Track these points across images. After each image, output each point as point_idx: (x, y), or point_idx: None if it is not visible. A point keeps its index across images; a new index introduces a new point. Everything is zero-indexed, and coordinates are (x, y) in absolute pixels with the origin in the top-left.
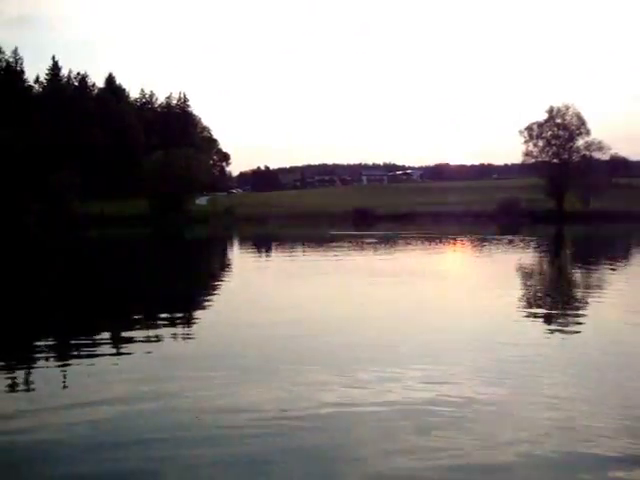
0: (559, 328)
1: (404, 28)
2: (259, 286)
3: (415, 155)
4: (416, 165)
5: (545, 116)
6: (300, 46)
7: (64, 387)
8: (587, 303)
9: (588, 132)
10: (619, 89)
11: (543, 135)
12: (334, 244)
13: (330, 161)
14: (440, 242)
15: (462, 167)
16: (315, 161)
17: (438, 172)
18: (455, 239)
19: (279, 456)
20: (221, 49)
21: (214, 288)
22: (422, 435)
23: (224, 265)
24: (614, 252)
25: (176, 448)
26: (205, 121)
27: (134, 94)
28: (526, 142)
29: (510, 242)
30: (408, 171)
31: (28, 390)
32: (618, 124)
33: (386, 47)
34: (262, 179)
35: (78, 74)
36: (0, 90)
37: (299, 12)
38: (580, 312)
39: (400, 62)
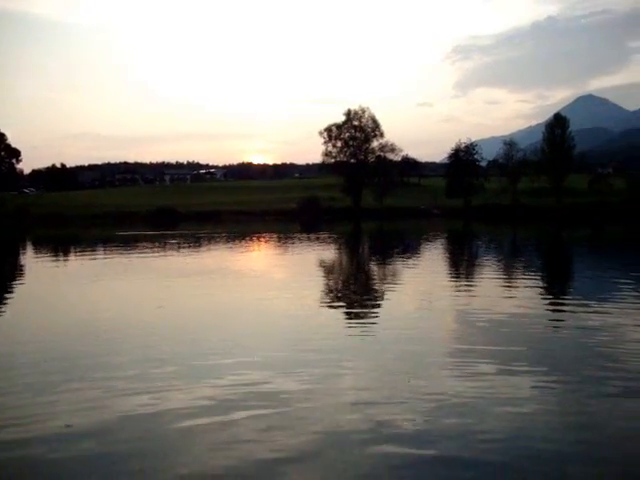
0: (358, 320)
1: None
2: (51, 292)
3: (219, 154)
4: (220, 164)
5: (343, 118)
6: (103, 38)
7: None
8: (382, 294)
9: (382, 134)
10: (409, 97)
11: (341, 136)
12: (137, 245)
13: (132, 159)
14: (244, 241)
15: (265, 166)
16: (116, 159)
17: (242, 171)
18: (259, 237)
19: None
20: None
21: (9, 292)
22: (226, 430)
23: (13, 269)
24: (405, 245)
25: None
26: None
27: None
28: (325, 143)
29: (311, 239)
30: (212, 170)
31: None
32: (408, 128)
33: (186, 48)
34: (58, 178)
35: None
36: None
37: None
38: (376, 303)
39: (199, 62)
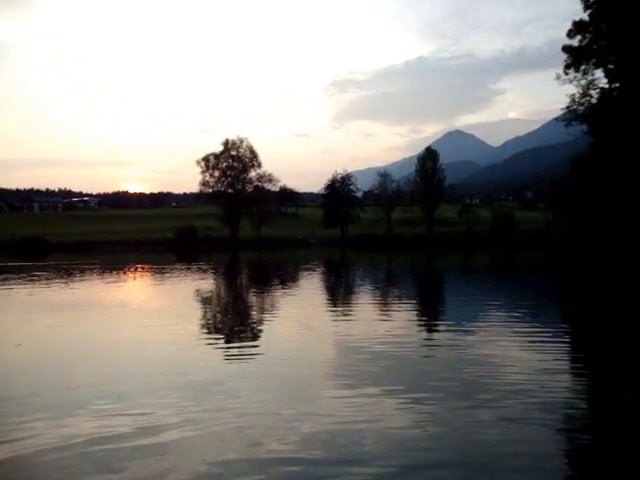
0: (236, 351)
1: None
2: None
3: (93, 182)
4: (94, 192)
5: (221, 148)
6: None
7: None
8: (261, 323)
9: (260, 165)
10: (288, 128)
11: (219, 166)
12: (1, 276)
13: None
14: (118, 272)
15: (141, 195)
16: None
17: (117, 200)
18: (134, 268)
19: None
20: None
21: None
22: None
23: None
24: (283, 275)
25: None
26: None
27: None
28: (203, 172)
29: (187, 269)
30: (85, 198)
31: None
32: (287, 159)
33: (64, 69)
34: None
35: None
36: None
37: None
38: (255, 332)
39: (77, 84)
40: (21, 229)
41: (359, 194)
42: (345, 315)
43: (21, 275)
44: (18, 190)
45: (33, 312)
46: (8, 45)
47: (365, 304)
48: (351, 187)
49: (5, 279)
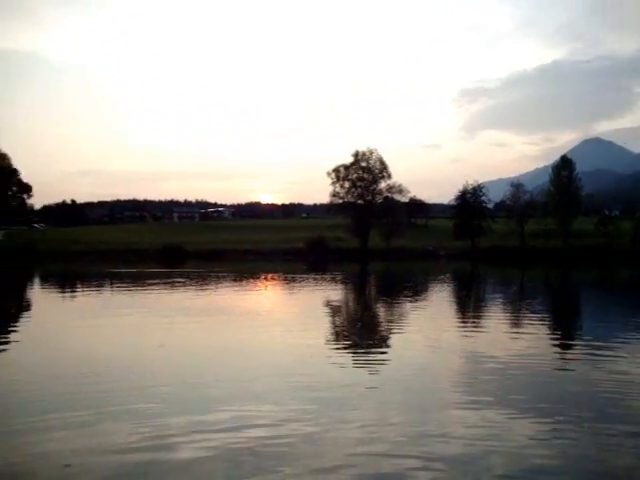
0: (363, 361)
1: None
2: (54, 329)
3: (227, 193)
4: (228, 203)
5: (351, 159)
6: (115, 74)
7: None
8: (390, 338)
9: (390, 176)
10: (416, 138)
11: (349, 177)
12: (143, 282)
13: (141, 197)
14: (250, 280)
15: (273, 206)
16: (125, 196)
17: (249, 210)
18: (265, 277)
19: None
20: (26, 72)
21: (5, 332)
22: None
23: (20, 304)
24: (412, 287)
25: None
26: (4, 149)
27: None
28: (333, 183)
29: (317, 279)
30: (220, 209)
31: None
32: (415, 170)
33: (194, 90)
34: (67, 214)
35: None
36: None
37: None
38: (382, 345)
39: (211, 100)
40: (162, 237)
41: (490, 205)
42: (475, 329)
43: (162, 281)
44: (160, 201)
45: (172, 315)
46: (144, 60)
47: (497, 318)
48: (482, 198)
49: (147, 284)
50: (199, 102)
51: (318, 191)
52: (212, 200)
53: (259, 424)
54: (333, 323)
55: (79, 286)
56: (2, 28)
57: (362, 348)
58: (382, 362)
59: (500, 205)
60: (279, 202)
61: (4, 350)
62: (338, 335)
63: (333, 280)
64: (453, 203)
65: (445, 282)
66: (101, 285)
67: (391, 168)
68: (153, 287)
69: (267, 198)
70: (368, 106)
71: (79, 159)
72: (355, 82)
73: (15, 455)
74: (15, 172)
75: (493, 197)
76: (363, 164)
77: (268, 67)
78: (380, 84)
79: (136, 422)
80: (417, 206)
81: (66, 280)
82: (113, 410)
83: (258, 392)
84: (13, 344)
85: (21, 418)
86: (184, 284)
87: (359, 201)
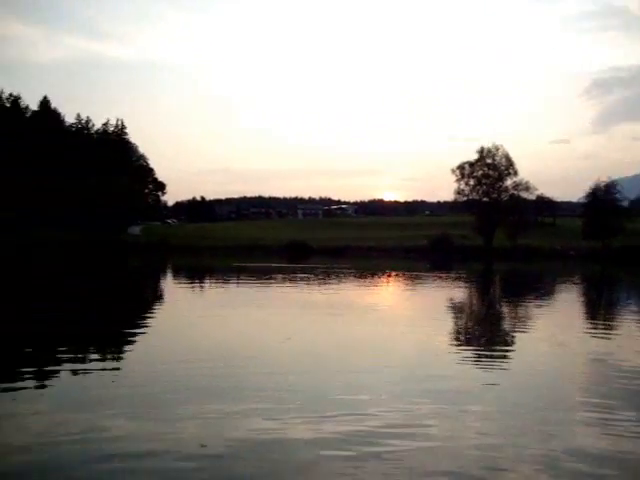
0: (485, 363)
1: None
2: (187, 318)
3: (350, 190)
4: (351, 200)
5: (476, 156)
6: (240, 74)
7: None
8: (515, 338)
9: (516, 172)
10: (541, 133)
11: (474, 174)
12: (269, 276)
13: (266, 194)
14: (373, 277)
15: (396, 203)
16: (251, 193)
17: (372, 207)
18: (388, 274)
19: None
20: (158, 76)
21: (143, 319)
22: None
23: (155, 295)
24: (539, 288)
25: None
26: (142, 149)
27: (70, 119)
28: (458, 181)
29: (441, 277)
30: (343, 206)
31: None
32: (541, 166)
33: (324, 81)
34: (197, 210)
35: (11, 95)
36: None
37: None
38: (508, 347)
39: (334, 97)
40: (287, 233)
41: (625, 203)
42: (605, 332)
43: (286, 275)
44: (285, 198)
45: (297, 309)
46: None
47: (630, 323)
48: (616, 195)
49: (272, 279)
50: (323, 100)
51: (440, 188)
52: (335, 197)
53: (376, 414)
54: (457, 321)
55: (207, 279)
56: (131, 38)
57: (485, 346)
58: (503, 364)
59: (637, 203)
60: (401, 199)
61: (138, 338)
62: (461, 332)
63: (457, 279)
64: (583, 201)
65: (574, 284)
66: (228, 279)
67: (516, 165)
68: (278, 281)
69: (390, 195)
70: (489, 101)
71: (209, 158)
72: (477, 74)
73: (152, 438)
74: (151, 171)
75: (629, 194)
76: (488, 161)
77: (386, 63)
78: (503, 76)
79: (266, 408)
80: (544, 204)
81: (195, 273)
82: (244, 396)
83: (378, 384)
84: (147, 332)
85: (156, 404)
86: (308, 279)
87: (484, 199)
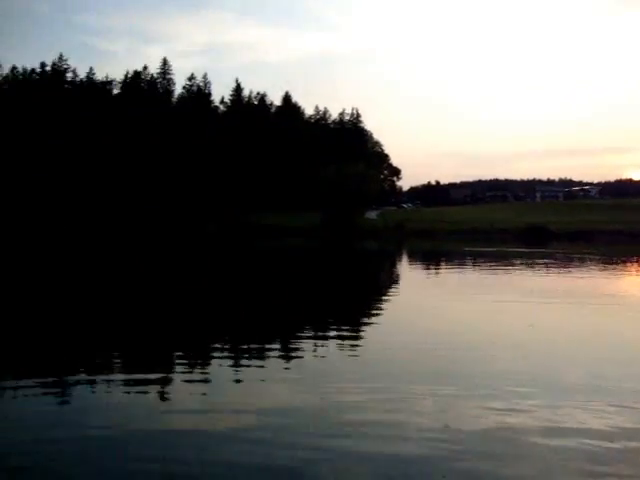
0: None
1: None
2: (424, 301)
3: (593, 170)
4: (594, 181)
5: None
6: (472, 59)
7: (234, 391)
8: None
9: None
10: None
11: None
12: (505, 262)
13: (502, 176)
14: (621, 264)
15: None
16: (486, 176)
17: (619, 188)
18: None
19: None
20: (393, 66)
21: (380, 302)
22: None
23: (391, 279)
24: None
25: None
26: (376, 136)
27: (309, 111)
28: None
29: None
30: (585, 187)
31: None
32: None
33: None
34: (432, 194)
35: (258, 94)
36: (192, 111)
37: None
38: None
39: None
40: (524, 217)
41: None
42: None
43: (524, 261)
44: (522, 180)
45: (537, 296)
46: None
47: None
48: None
49: (509, 264)
50: (554, 75)
51: None
52: (577, 178)
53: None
54: None
55: (443, 263)
56: (354, 29)
57: None
58: None
59: None
60: None
61: (376, 323)
62: None
63: None
64: None
65: None
66: (463, 264)
67: None
68: (515, 267)
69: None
70: None
71: (443, 142)
72: None
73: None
74: (386, 157)
75: None
76: None
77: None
78: None
79: (508, 391)
80: None
81: (430, 258)
82: (479, 384)
83: (611, 386)
84: (384, 315)
85: (388, 388)
86: (546, 265)
87: None
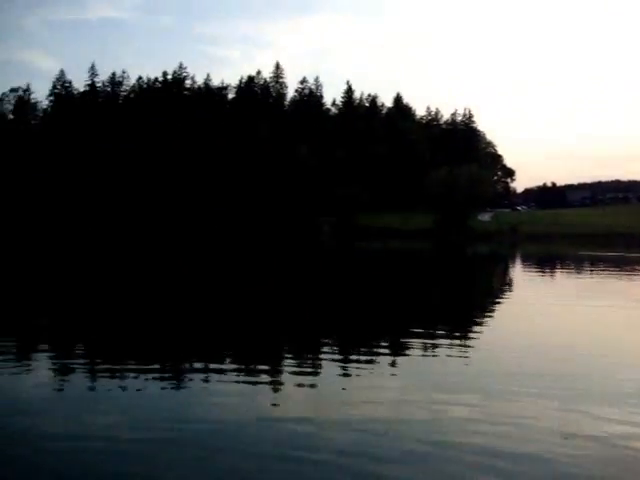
0: None
1: None
2: (537, 306)
3: None
4: None
5: None
6: (586, 59)
7: (342, 388)
8: None
9: None
10: None
11: None
12: (629, 267)
13: (624, 177)
14: None
15: None
16: (606, 178)
17: None
18: None
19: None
20: (508, 63)
21: (492, 305)
22: None
23: (503, 283)
24: None
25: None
26: (489, 136)
27: (420, 112)
28: None
29: None
30: None
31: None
32: None
33: None
34: (548, 196)
35: (369, 95)
36: (305, 113)
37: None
38: None
39: None
40: None
41: None
42: None
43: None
44: None
45: None
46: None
47: None
48: None
49: (634, 270)
50: None
51: None
52: None
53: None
54: None
55: (558, 267)
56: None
57: None
58: None
59: None
60: None
61: (488, 325)
62: None
63: None
64: None
65: None
66: (579, 268)
67: None
68: (637, 273)
69: None
70: None
71: (560, 142)
72: None
73: (506, 422)
74: (500, 158)
75: None
76: None
77: None
78: None
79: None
80: None
81: (545, 261)
82: (602, 392)
83: None
84: (496, 319)
85: (502, 386)
86: None
87: None
